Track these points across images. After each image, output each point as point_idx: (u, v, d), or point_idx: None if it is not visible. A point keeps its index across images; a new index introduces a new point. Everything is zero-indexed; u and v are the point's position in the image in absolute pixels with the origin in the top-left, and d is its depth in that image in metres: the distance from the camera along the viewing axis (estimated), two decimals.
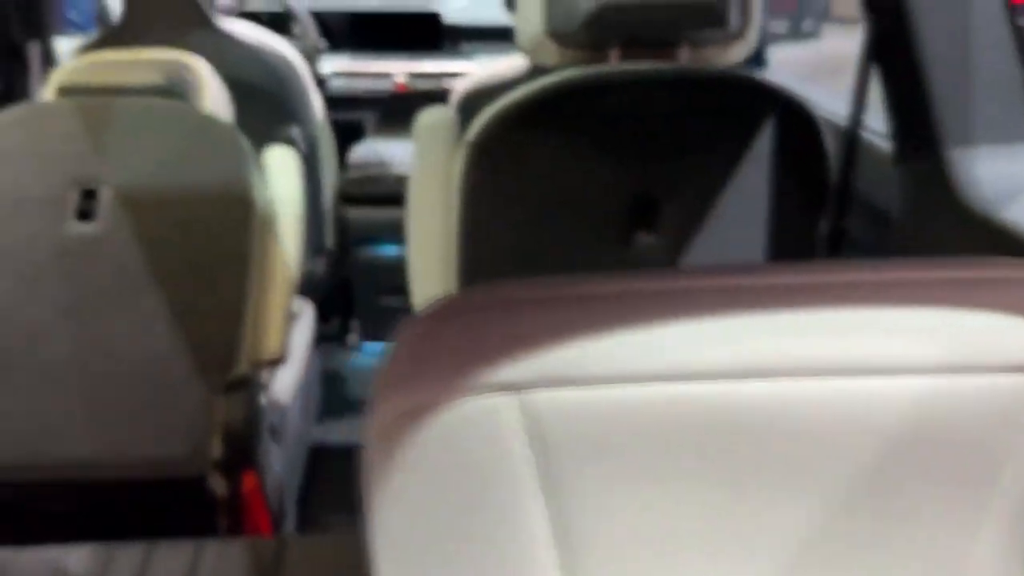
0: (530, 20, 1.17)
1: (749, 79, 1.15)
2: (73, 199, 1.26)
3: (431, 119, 1.24)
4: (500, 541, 0.31)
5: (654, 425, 0.30)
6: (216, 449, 1.22)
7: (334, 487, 1.85)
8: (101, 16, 2.53)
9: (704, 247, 1.12)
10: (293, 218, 1.41)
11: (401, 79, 2.64)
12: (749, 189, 1.12)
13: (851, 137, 1.16)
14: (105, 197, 1.26)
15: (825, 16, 9.17)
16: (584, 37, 1.16)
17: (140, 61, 1.45)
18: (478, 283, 1.15)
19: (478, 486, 0.31)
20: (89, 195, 1.27)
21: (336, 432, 2.03)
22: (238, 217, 1.28)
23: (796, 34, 8.81)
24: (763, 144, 1.12)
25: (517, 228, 1.13)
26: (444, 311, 0.34)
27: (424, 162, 1.22)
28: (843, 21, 8.73)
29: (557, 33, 1.16)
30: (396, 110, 2.69)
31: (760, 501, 0.31)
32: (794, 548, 0.30)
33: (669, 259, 1.12)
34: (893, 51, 1.05)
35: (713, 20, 1.16)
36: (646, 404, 0.30)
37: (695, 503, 0.31)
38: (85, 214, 1.26)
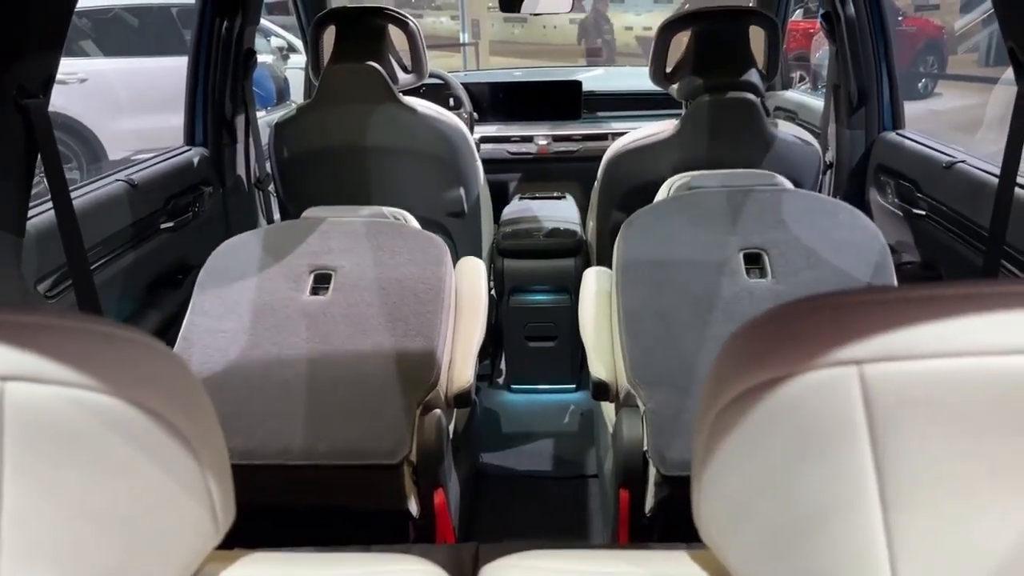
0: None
1: (806, 193, 1.71)
2: (310, 280, 1.63)
3: (594, 274, 1.78)
4: (834, 475, 0.41)
5: (962, 388, 0.39)
6: (412, 449, 1.40)
7: (490, 511, 2.00)
8: (281, 94, 2.87)
9: (799, 284, 1.51)
10: (480, 302, 1.76)
11: (543, 143, 2.86)
12: (824, 246, 1.55)
13: (1005, 190, 1.26)
14: (335, 278, 1.63)
15: (941, 72, 9.01)
16: None
17: (362, 211, 1.87)
18: (638, 322, 1.50)
19: (820, 434, 0.41)
20: (322, 278, 1.63)
21: (489, 462, 2.18)
22: (435, 296, 1.60)
23: (911, 93, 8.69)
24: (824, 221, 1.59)
25: (661, 275, 1.54)
26: (786, 309, 0.45)
27: (592, 283, 1.74)
28: (958, 79, 8.59)
29: None
30: (538, 171, 2.92)
31: None
32: None
33: (773, 291, 1.51)
34: None
35: None
36: (956, 372, 0.39)
37: (993, 450, 0.39)
38: (317, 290, 1.62)
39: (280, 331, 1.55)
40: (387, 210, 1.85)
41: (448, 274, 1.64)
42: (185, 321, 1.59)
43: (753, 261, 1.53)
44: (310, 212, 1.85)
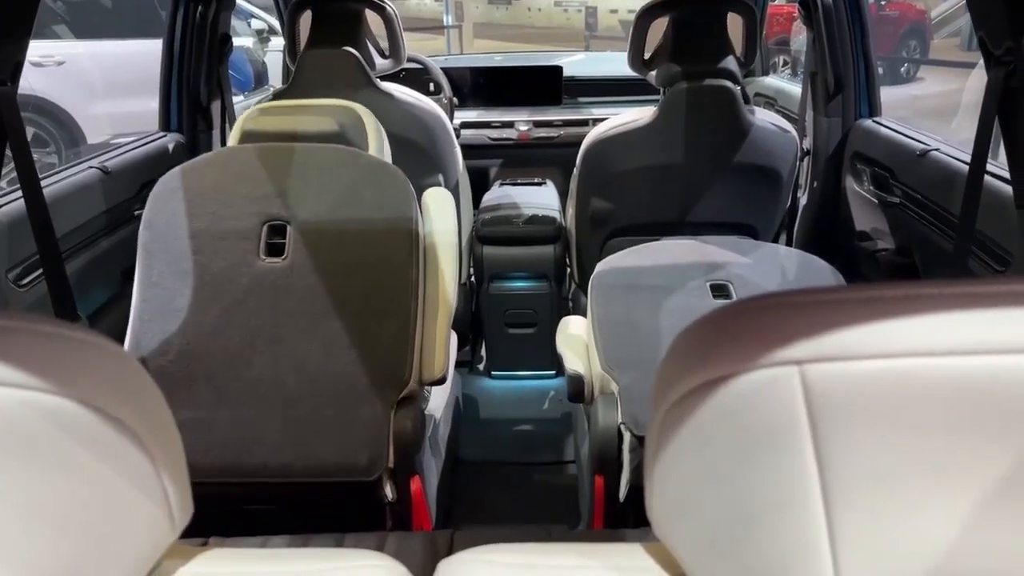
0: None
1: (767, 243, 1.90)
2: (263, 235, 1.43)
3: (572, 323, 1.75)
4: (778, 473, 0.42)
5: (900, 388, 0.40)
6: (389, 457, 1.39)
7: (470, 496, 2.01)
8: (259, 78, 2.84)
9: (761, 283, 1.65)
10: (450, 249, 1.55)
11: (523, 128, 2.85)
12: (786, 283, 1.68)
13: (975, 179, 1.27)
14: (291, 233, 1.43)
15: (923, 56, 9.05)
16: None
17: (312, 108, 1.61)
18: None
19: (763, 432, 0.42)
20: (276, 231, 1.43)
21: (469, 448, 2.20)
22: (405, 250, 1.45)
23: (894, 78, 8.72)
24: (785, 264, 1.76)
25: (633, 295, 1.61)
26: (730, 309, 0.46)
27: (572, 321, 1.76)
28: (940, 65, 8.63)
29: None
30: (519, 157, 2.91)
31: (973, 444, 0.40)
32: (1003, 483, 0.39)
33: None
34: (1016, 99, 1.17)
35: None
36: (894, 373, 0.40)
37: (931, 448, 0.40)
38: (274, 249, 1.43)
39: (240, 310, 1.42)
40: (343, 110, 1.63)
41: (416, 218, 1.47)
42: (135, 295, 1.44)
43: (719, 290, 1.62)
44: (254, 119, 1.59)
